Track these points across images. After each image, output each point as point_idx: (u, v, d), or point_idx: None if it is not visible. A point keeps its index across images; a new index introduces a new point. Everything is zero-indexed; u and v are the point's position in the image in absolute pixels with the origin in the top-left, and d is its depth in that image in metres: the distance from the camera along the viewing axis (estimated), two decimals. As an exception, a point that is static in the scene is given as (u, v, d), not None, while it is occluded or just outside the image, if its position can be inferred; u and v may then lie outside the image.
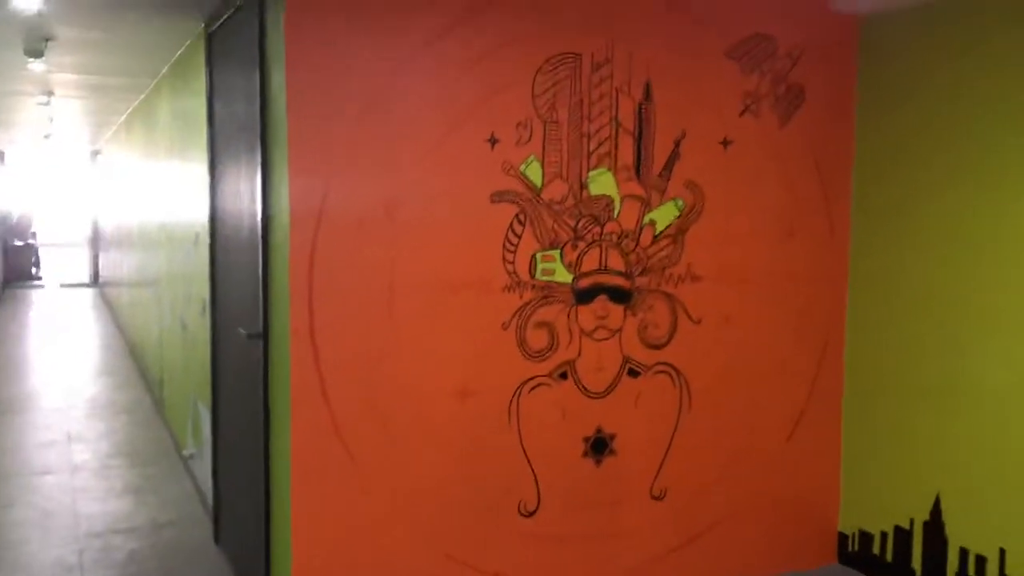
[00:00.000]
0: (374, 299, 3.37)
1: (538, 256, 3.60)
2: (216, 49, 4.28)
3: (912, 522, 3.91)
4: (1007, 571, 3.51)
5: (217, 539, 4.52)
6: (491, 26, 3.44)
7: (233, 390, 4.15)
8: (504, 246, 3.54)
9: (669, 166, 3.78)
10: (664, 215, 3.79)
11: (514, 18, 3.47)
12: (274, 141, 3.40)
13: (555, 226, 3.61)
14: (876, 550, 4.09)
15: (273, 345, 3.51)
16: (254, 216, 3.60)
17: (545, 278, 3.62)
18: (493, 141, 3.48)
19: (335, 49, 3.26)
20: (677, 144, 3.78)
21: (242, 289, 3.85)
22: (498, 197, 3.51)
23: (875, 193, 4.03)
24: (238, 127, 3.87)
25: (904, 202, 3.90)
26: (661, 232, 3.79)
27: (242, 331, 3.70)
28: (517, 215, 3.54)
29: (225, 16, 3.99)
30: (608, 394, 3.77)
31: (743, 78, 3.88)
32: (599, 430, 3.77)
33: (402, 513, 3.47)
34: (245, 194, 3.77)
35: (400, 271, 3.39)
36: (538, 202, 3.57)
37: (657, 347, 3.84)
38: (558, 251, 3.63)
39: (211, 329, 4.50)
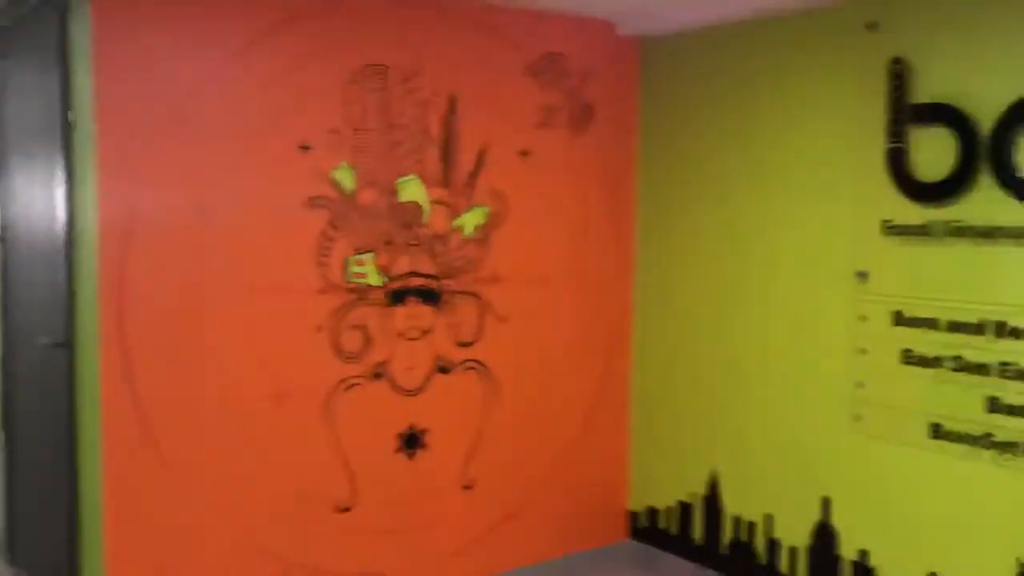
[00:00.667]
0: (187, 304, 3.38)
1: (351, 260, 3.72)
2: (7, 47, 4.09)
3: (693, 497, 4.34)
4: (773, 534, 3.99)
5: (11, 559, 4.31)
6: (303, 36, 3.53)
7: (30, 403, 3.99)
8: (318, 250, 3.64)
9: (474, 175, 4.01)
10: (470, 220, 4.02)
11: (326, 29, 3.58)
12: (79, 145, 3.33)
13: (367, 231, 3.75)
14: (662, 524, 4.50)
15: (79, 353, 3.43)
16: (55, 221, 3.50)
17: (358, 281, 3.75)
18: (305, 148, 3.57)
19: (145, 54, 3.24)
20: (481, 154, 4.01)
21: (41, 297, 3.72)
22: (311, 203, 3.61)
23: (656, 199, 4.45)
24: (33, 130, 3.74)
25: (682, 207, 4.33)
26: (468, 236, 4.01)
27: (44, 340, 3.58)
28: (330, 220, 3.65)
29: (18, 12, 3.83)
30: (420, 391, 3.95)
31: (540, 93, 4.17)
32: (412, 426, 3.94)
33: (220, 517, 3.49)
34: (43, 199, 3.65)
35: (213, 276, 3.42)
36: (350, 207, 3.70)
37: (466, 345, 4.06)
38: (370, 255, 3.77)
39: (1, 341, 4.29)
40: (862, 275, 3.58)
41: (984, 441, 3.23)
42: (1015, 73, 3.09)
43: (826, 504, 3.77)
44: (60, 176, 3.44)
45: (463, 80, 3.93)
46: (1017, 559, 3.15)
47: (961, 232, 3.26)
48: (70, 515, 3.52)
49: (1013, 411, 3.15)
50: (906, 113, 3.40)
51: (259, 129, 3.48)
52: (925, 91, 3.35)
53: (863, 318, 3.58)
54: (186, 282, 3.37)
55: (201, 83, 3.35)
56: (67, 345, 3.45)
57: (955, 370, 3.30)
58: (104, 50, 3.17)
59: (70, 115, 3.39)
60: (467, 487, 4.12)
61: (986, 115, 3.15)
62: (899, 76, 3.40)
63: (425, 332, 3.95)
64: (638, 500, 4.62)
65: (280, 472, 3.62)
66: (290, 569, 3.66)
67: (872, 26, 3.50)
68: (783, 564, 3.94)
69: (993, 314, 3.20)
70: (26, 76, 3.83)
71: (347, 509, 3.80)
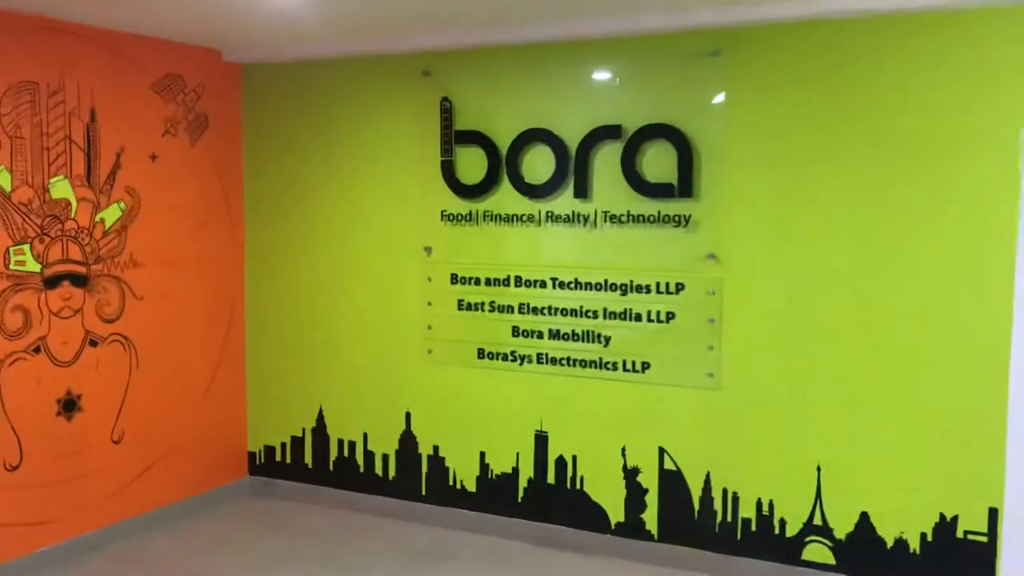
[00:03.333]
0: None
1: (11, 250, 4.27)
2: None
3: (304, 430, 5.49)
4: (369, 447, 5.30)
5: None
6: (-37, 54, 4.02)
7: None
8: (-19, 243, 4.15)
9: (112, 175, 4.72)
10: (111, 214, 4.73)
11: (-17, 49, 4.10)
12: None
13: (24, 224, 4.32)
14: (278, 458, 5.58)
15: None
16: None
17: (17, 268, 4.30)
18: (-34, 153, 4.07)
19: None
20: (118, 158, 4.74)
21: None
22: (-27, 201, 4.11)
23: (262, 196, 5.49)
24: None
25: (285, 203, 5.42)
26: (109, 228, 4.72)
27: None
28: (-9, 216, 4.18)
29: None
30: (74, 362, 4.59)
31: (164, 107, 5.00)
32: (69, 392, 4.57)
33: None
34: None
35: None
36: (8, 204, 4.24)
37: (111, 321, 4.77)
38: (27, 245, 4.34)
39: None
40: (428, 249, 5.02)
41: (510, 356, 4.84)
42: (519, 113, 4.71)
43: (408, 417, 5.17)
44: None
45: (101, 95, 4.63)
46: (535, 430, 4.82)
47: (491, 218, 4.83)
48: None
49: (526, 335, 4.80)
50: (452, 136, 4.89)
51: (-75, 135, 3.91)
52: (464, 121, 4.86)
53: (430, 279, 5.03)
54: None
55: None
56: None
57: (491, 311, 4.88)
58: None
59: None
60: (117, 441, 4.84)
61: (504, 139, 4.75)
62: (447, 110, 4.87)
63: (76, 311, 4.59)
64: (256, 442, 5.65)
65: (-47, 441, 4.08)
66: (-31, 525, 4.14)
67: (426, 72, 4.93)
68: (378, 468, 5.28)
69: (511, 271, 4.81)
70: None
71: (15, 467, 4.34)
